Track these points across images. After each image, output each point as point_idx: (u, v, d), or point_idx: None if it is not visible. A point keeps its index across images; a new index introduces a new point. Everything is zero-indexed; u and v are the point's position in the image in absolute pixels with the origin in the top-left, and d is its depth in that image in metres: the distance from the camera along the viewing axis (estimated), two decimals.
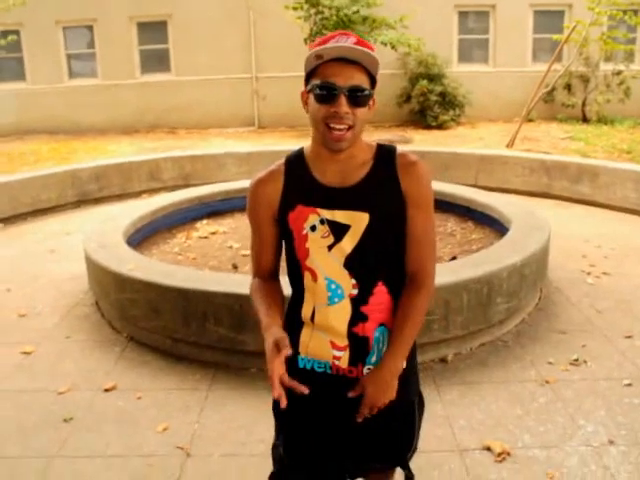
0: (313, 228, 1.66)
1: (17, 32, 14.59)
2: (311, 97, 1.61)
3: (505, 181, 8.23)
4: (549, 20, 14.38)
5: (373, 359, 1.72)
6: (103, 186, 8.57)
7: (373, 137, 11.57)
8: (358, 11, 12.48)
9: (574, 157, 8.83)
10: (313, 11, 12.67)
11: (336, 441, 1.84)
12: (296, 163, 1.72)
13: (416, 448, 1.93)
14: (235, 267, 4.75)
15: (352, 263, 1.66)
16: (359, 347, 1.71)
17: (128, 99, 15.10)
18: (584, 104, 13.83)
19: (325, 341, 1.71)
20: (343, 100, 1.55)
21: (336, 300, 1.68)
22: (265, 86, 14.58)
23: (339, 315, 1.69)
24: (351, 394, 1.69)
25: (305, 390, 1.59)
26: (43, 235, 7.04)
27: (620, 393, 3.44)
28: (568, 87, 13.81)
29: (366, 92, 1.59)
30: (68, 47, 15.61)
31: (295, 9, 12.57)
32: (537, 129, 12.55)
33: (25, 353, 4.12)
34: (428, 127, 13.36)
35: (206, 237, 5.67)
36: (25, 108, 15.16)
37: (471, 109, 13.83)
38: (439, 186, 6.31)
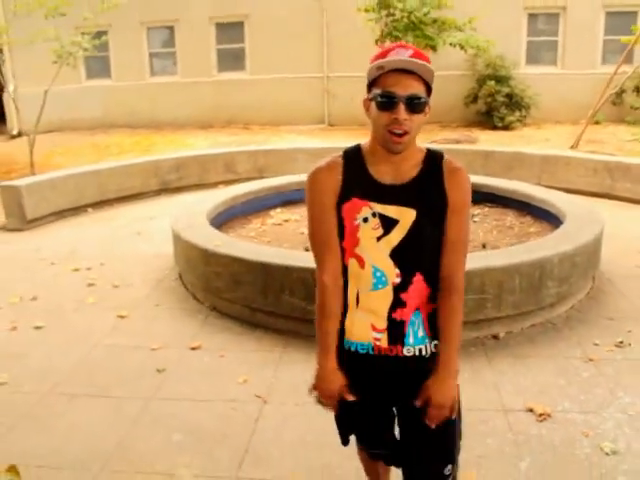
0: (365, 220, 1.83)
1: (105, 32, 15.49)
2: (373, 104, 1.77)
3: (568, 181, 8.34)
4: (621, 21, 14.17)
5: (410, 340, 1.89)
6: (182, 176, 9.20)
7: (439, 136, 11.86)
8: (429, 12, 12.74)
9: (638, 158, 8.89)
10: (384, 13, 13.03)
11: (385, 420, 2.12)
12: (354, 158, 1.90)
13: (459, 448, 2.04)
14: (307, 250, 5.21)
15: (398, 254, 1.83)
16: (396, 329, 1.88)
17: (205, 96, 15.83)
18: None
19: (366, 323, 1.90)
20: (402, 108, 1.72)
21: (380, 286, 1.86)
22: (336, 85, 15.03)
23: (381, 300, 1.87)
24: (418, 403, 1.89)
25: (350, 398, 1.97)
26: (128, 219, 7.68)
27: None
28: (637, 89, 13.65)
29: (422, 100, 1.75)
30: (150, 46, 16.50)
31: (367, 11, 12.98)
32: (603, 131, 12.54)
33: (121, 317, 4.69)
34: (494, 128, 13.50)
35: (280, 224, 6.13)
36: (110, 104, 16.13)
37: (537, 111, 13.89)
38: (498, 182, 6.61)
